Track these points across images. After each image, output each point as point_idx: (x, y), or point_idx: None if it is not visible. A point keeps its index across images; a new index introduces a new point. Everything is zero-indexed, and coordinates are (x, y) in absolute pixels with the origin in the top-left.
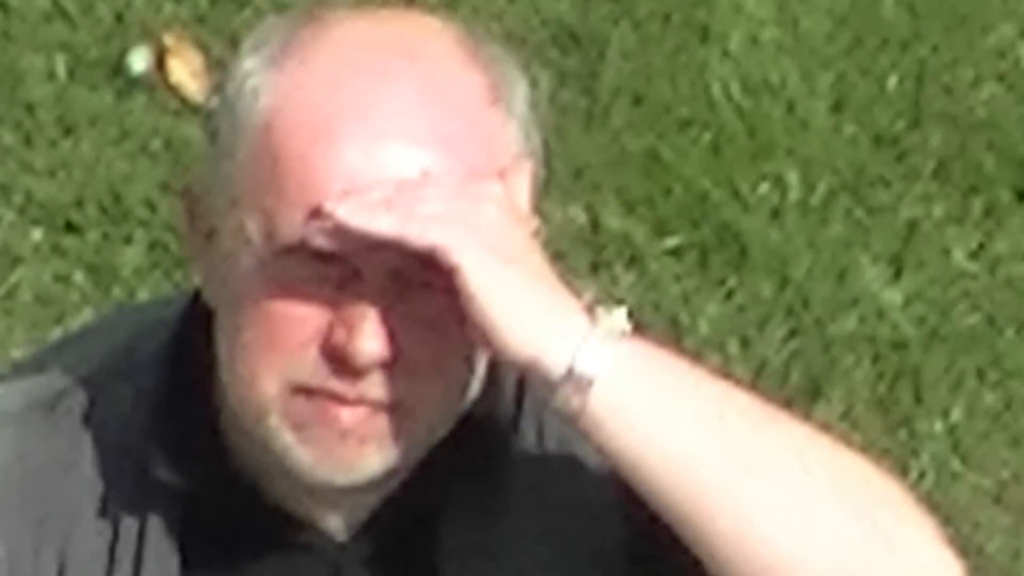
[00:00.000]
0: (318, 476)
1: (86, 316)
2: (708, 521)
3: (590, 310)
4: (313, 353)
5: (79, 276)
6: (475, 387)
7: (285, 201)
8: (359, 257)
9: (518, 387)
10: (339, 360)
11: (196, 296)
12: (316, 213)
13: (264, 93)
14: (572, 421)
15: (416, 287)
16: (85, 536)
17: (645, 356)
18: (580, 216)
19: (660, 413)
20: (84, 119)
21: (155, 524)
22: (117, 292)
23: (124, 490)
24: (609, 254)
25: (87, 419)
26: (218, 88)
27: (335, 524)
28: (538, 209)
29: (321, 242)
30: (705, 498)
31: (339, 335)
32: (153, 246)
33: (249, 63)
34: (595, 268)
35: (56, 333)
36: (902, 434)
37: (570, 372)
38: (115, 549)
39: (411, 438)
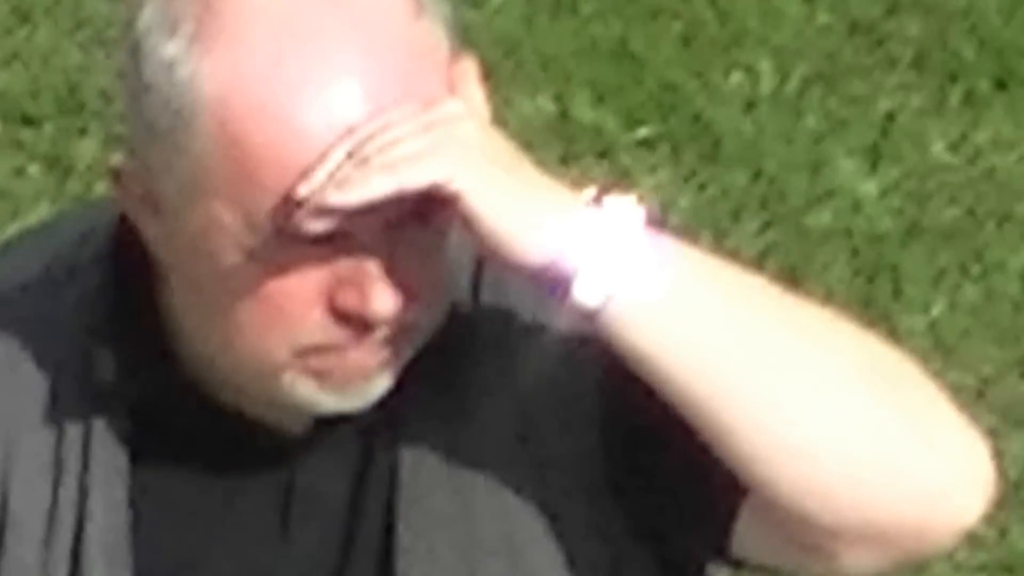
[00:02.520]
0: (338, 408)
1: (43, 210)
2: (732, 412)
3: (597, 200)
4: (319, 316)
5: (35, 169)
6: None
7: (259, 188)
8: (352, 222)
9: (474, 279)
10: (351, 319)
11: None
12: (296, 203)
13: (201, 83)
14: (589, 319)
15: (407, 225)
16: (29, 440)
17: (660, 246)
18: (549, 107)
19: (680, 304)
20: (38, 7)
21: (101, 428)
22: (73, 186)
23: (69, 394)
24: (579, 146)
25: (29, 323)
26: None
27: (293, 421)
28: (506, 99)
29: (315, 227)
30: (728, 388)
31: (348, 297)
32: (109, 138)
33: (170, 48)
34: (565, 160)
35: (11, 228)
36: (881, 330)
37: (586, 268)
38: (60, 453)
39: (415, 344)
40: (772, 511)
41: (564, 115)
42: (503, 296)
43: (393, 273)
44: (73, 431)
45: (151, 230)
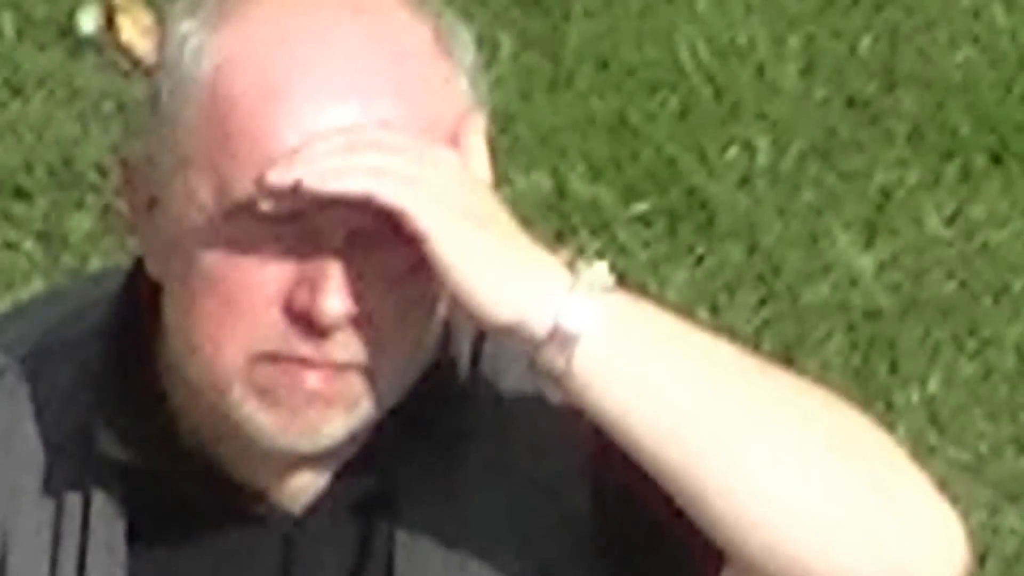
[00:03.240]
0: (282, 443)
1: (36, 285)
2: (701, 477)
3: (570, 266)
4: (275, 317)
5: (28, 243)
6: (433, 344)
7: (238, 160)
8: (318, 215)
9: (473, 351)
10: (303, 322)
11: (136, 267)
12: (270, 177)
13: (207, 54)
14: (557, 382)
15: (377, 243)
16: (28, 513)
17: (631, 309)
18: (545, 182)
19: (649, 367)
20: (33, 80)
21: (100, 500)
22: (68, 259)
23: (67, 467)
24: (576, 221)
25: (28, 396)
26: (156, 52)
27: (289, 497)
28: (502, 175)
29: (271, 205)
30: (698, 453)
31: (302, 296)
32: (105, 211)
33: (187, 25)
34: (561, 236)
35: (5, 302)
36: (878, 406)
37: (554, 330)
38: (60, 525)
39: (375, 399)
40: (747, 574)
41: (560, 190)
42: (501, 368)
43: (353, 288)
44: (72, 505)
45: (147, 236)
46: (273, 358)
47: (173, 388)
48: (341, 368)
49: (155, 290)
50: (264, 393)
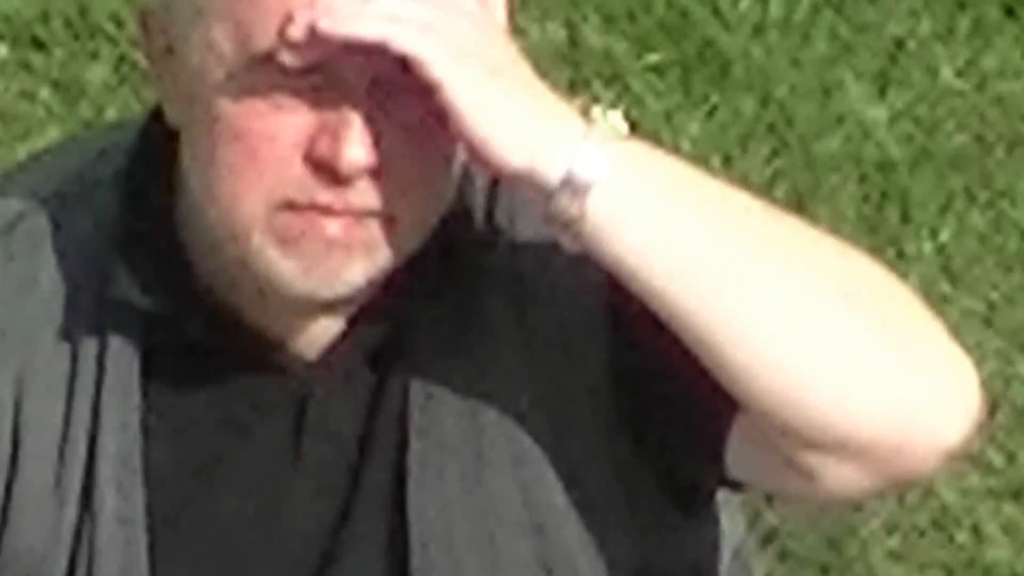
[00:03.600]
0: (302, 289)
1: (52, 134)
2: (714, 324)
3: (584, 113)
4: (296, 166)
5: (45, 92)
6: (451, 193)
7: (258, 9)
8: (338, 64)
9: (488, 199)
10: (325, 170)
11: (152, 117)
12: (290, 25)
13: None
14: (570, 229)
15: (396, 92)
16: (44, 357)
17: (644, 157)
18: (559, 32)
19: (662, 214)
20: None
21: (115, 343)
22: (84, 109)
23: (84, 311)
24: (588, 71)
25: (45, 241)
26: None
27: (305, 343)
28: (515, 25)
29: (295, 59)
30: (710, 300)
31: (323, 144)
32: (120, 62)
33: None
34: (574, 86)
35: (22, 152)
36: (889, 255)
37: (568, 177)
38: (75, 368)
39: (394, 246)
40: (758, 426)
41: (574, 41)
42: (516, 220)
43: (373, 135)
44: (87, 348)
45: (165, 84)
46: (294, 206)
47: (190, 235)
48: (361, 215)
49: (172, 138)
50: (284, 240)
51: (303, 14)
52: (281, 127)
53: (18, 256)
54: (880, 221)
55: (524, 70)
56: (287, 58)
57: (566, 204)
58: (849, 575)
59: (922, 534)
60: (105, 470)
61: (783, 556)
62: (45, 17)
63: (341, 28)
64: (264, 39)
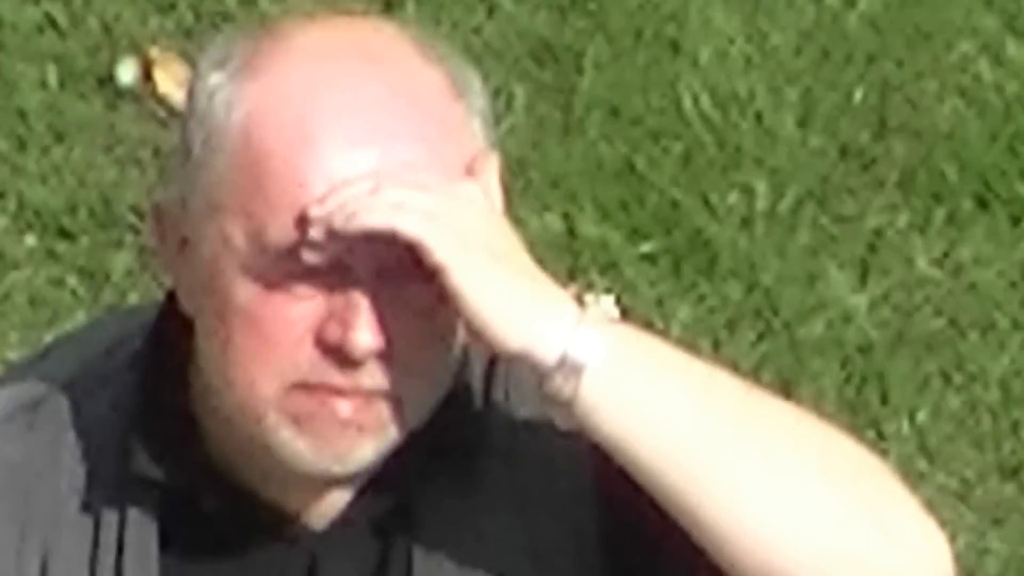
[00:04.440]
0: (316, 467)
1: (79, 318)
2: (701, 499)
3: (579, 299)
4: (308, 349)
5: (72, 280)
6: (453, 372)
7: (271, 204)
8: (348, 252)
9: (486, 376)
10: (335, 353)
11: (167, 302)
12: (303, 222)
13: (238, 104)
14: (564, 408)
15: (403, 278)
16: (67, 532)
17: (634, 341)
18: (557, 224)
19: (651, 396)
20: (75, 127)
21: (135, 518)
22: (108, 295)
23: (104, 487)
24: (585, 260)
25: (68, 421)
26: (185, 103)
27: (314, 514)
28: (516, 217)
29: (313, 257)
30: (698, 477)
31: (333, 329)
32: (142, 250)
33: (216, 78)
34: (572, 274)
35: (49, 335)
36: (870, 435)
37: (562, 359)
38: (97, 542)
39: (401, 423)
40: None
41: (571, 231)
42: (512, 397)
43: (381, 320)
44: (109, 519)
45: (180, 275)
46: (307, 387)
47: (205, 414)
48: (371, 396)
49: (186, 323)
50: (299, 420)
51: (317, 211)
52: (294, 314)
53: (41, 436)
54: (861, 403)
55: (523, 257)
56: (307, 256)
57: (560, 384)
58: None
59: None
60: None
61: None
62: (71, 208)
63: (353, 223)
64: (278, 234)
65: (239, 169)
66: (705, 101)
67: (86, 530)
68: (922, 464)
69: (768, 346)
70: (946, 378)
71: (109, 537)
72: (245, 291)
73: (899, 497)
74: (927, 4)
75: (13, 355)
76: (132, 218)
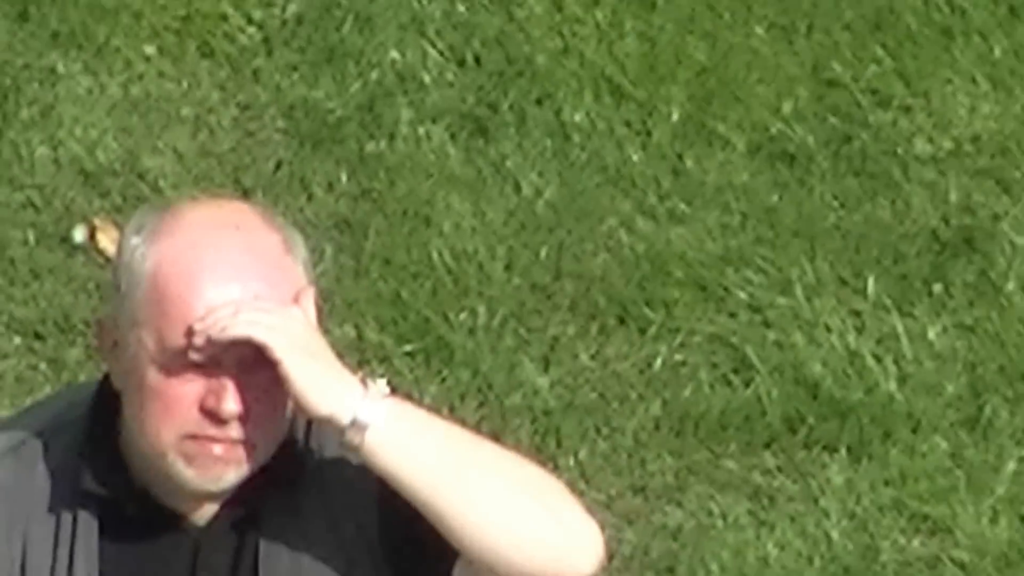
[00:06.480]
0: (197, 487)
1: (47, 391)
2: (444, 509)
3: (364, 381)
4: (194, 413)
5: (43, 366)
6: (286, 427)
7: (169, 321)
8: (220, 351)
9: (306, 431)
10: (212, 416)
11: (104, 380)
12: (191, 333)
13: (149, 257)
14: (355, 452)
15: (255, 367)
16: (39, 526)
17: (401, 408)
18: (351, 332)
19: (412, 444)
20: (46, 270)
21: (83, 518)
22: (66, 376)
23: (64, 498)
24: (369, 356)
25: (40, 456)
26: (116, 257)
27: (197, 516)
28: (324, 328)
29: (197, 355)
30: (442, 495)
31: (211, 400)
32: (88, 348)
33: (135, 240)
34: (360, 365)
35: (28, 400)
36: (550, 466)
37: (353, 421)
38: (58, 535)
39: (254, 460)
40: (473, 564)
41: (360, 338)
42: (324, 444)
43: (241, 394)
44: (66, 519)
45: (112, 364)
46: (193, 437)
47: (129, 451)
48: (235, 442)
49: (115, 394)
50: (188, 457)
51: (199, 326)
52: (185, 390)
53: (22, 465)
54: (545, 446)
55: (329, 355)
56: (193, 354)
57: (352, 437)
58: None
59: None
60: None
61: None
62: (43, 320)
63: (223, 333)
64: (175, 340)
65: (149, 300)
66: (447, 255)
67: (51, 526)
68: (582, 485)
69: (486, 411)
70: (598, 430)
71: (66, 528)
72: (153, 375)
73: (570, 503)
74: (587, 194)
75: (5, 413)
76: (83, 327)
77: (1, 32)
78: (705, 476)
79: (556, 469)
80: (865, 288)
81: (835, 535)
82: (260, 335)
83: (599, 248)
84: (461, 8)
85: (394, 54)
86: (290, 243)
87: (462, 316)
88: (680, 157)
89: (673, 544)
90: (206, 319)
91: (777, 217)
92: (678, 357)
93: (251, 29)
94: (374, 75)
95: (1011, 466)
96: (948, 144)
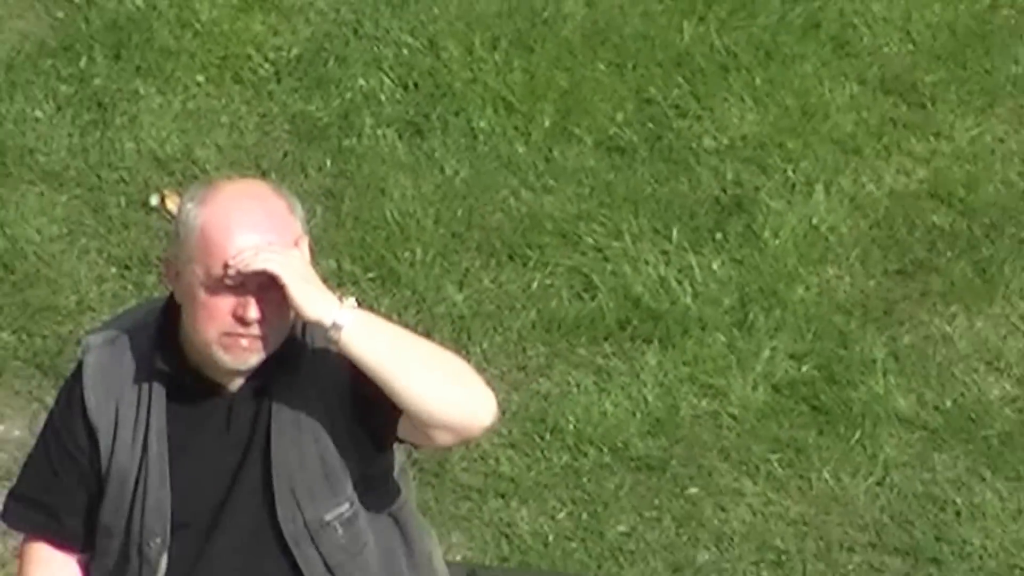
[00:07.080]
0: (231, 366)
1: (133, 303)
2: (395, 383)
3: (340, 298)
4: (229, 318)
5: (130, 287)
6: (290, 326)
7: (212, 259)
8: (246, 278)
9: (303, 329)
10: (240, 320)
11: (170, 296)
12: (226, 265)
13: (198, 216)
14: (335, 344)
15: (269, 289)
16: (127, 394)
17: (365, 315)
18: (332, 264)
19: (373, 339)
20: (132, 223)
21: (156, 388)
22: (145, 294)
23: (143, 374)
24: (344, 281)
25: (128, 346)
26: (177, 215)
27: (232, 386)
28: (315, 263)
29: (230, 280)
30: (394, 372)
31: (239, 310)
32: (161, 276)
33: (190, 205)
34: (338, 286)
35: (120, 310)
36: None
37: (333, 324)
38: (139, 398)
39: (269, 348)
40: (412, 419)
41: (340, 269)
42: (315, 338)
43: (260, 306)
44: (144, 391)
45: (175, 286)
46: (228, 334)
47: (185, 342)
48: (255, 337)
49: (177, 305)
50: (224, 347)
51: (232, 261)
52: (222, 303)
53: (117, 352)
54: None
55: (318, 281)
56: (227, 280)
57: (332, 334)
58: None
59: None
60: (152, 436)
61: (420, 471)
62: (130, 256)
63: (248, 267)
64: (215, 271)
65: (198, 245)
66: (396, 214)
67: (135, 393)
68: (484, 365)
69: (421, 317)
70: (495, 329)
71: (144, 397)
72: (201, 294)
73: (475, 378)
74: (488, 174)
75: (105, 318)
76: (156, 262)
77: (103, 67)
78: (565, 359)
79: (467, 355)
80: (671, 236)
81: (650, 398)
82: (272, 267)
83: (496, 209)
84: (405, 52)
85: (361, 81)
86: (292, 206)
87: (406, 254)
88: (550, 150)
89: (544, 403)
90: (236, 257)
91: (613, 189)
92: (547, 282)
93: (267, 64)
94: (348, 95)
95: (766, 353)
96: (726, 141)
